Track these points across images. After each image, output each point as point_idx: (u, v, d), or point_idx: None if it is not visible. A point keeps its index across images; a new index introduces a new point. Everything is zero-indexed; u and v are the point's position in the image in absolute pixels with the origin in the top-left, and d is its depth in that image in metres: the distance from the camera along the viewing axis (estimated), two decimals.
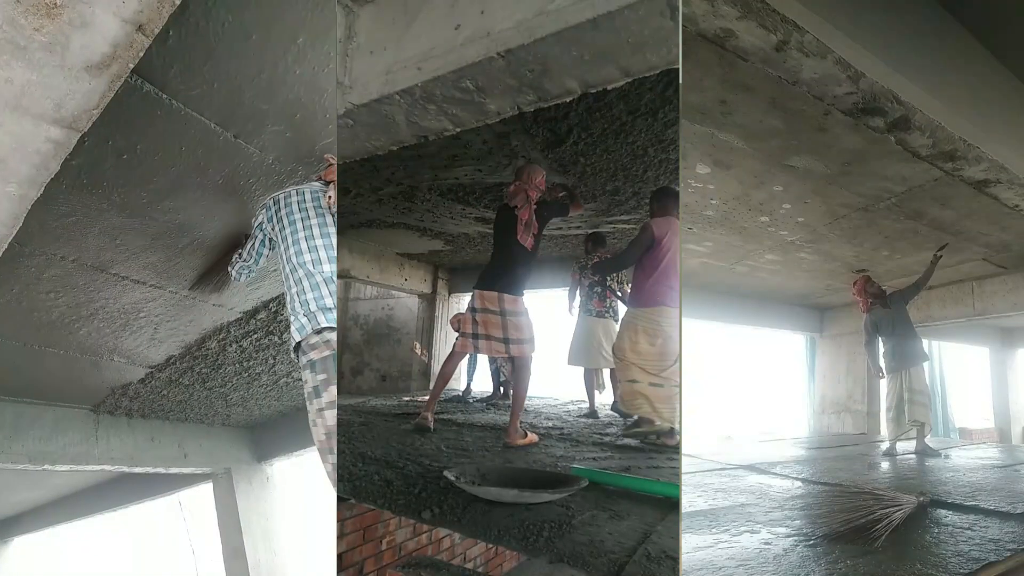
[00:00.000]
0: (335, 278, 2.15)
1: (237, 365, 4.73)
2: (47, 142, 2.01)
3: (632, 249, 3.35)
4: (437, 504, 2.15)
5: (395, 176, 3.64)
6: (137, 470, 5.63)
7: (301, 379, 2.12)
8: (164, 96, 2.27)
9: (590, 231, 4.59)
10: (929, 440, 4.88)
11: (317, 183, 2.46)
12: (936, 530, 2.46)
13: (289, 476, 7.08)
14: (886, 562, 2.08)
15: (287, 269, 2.23)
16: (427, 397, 4.24)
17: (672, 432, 3.26)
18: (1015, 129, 3.36)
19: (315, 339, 2.06)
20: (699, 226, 4.42)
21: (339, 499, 2.40)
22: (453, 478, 2.27)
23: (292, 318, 2.14)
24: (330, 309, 2.08)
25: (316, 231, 2.22)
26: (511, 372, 3.87)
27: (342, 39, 2.68)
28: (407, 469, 2.60)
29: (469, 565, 3.96)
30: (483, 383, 5.87)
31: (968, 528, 2.46)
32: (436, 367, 6.58)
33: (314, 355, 2.05)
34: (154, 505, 8.57)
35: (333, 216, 2.27)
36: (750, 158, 3.31)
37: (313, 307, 2.09)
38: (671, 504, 2.24)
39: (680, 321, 2.38)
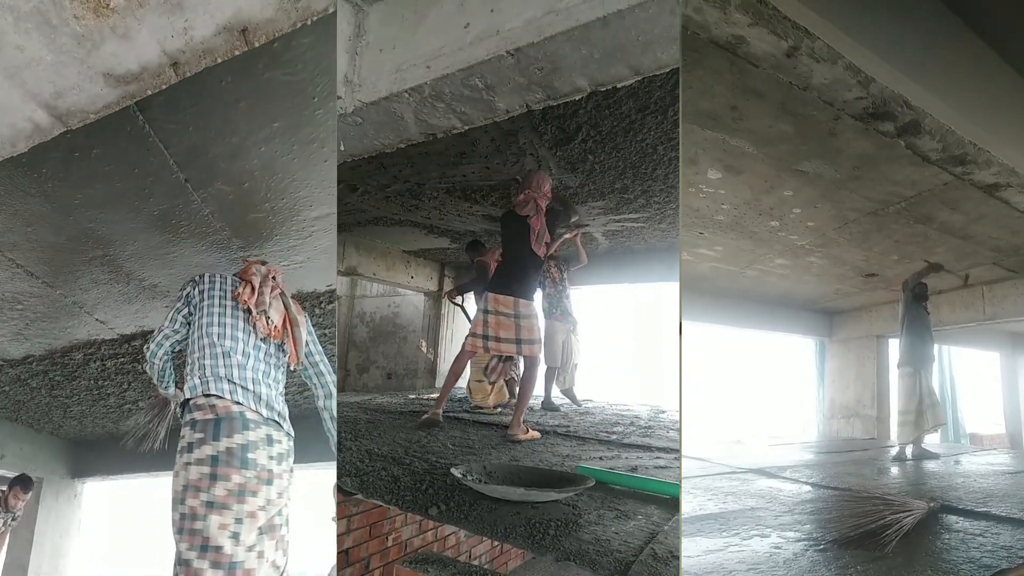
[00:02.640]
0: (232, 354, 2.38)
1: (91, 382, 4.64)
2: (28, 122, 1.96)
3: (475, 281, 4.69)
4: (444, 501, 2.17)
5: (402, 174, 3.65)
6: None
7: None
8: (140, 117, 2.27)
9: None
10: (926, 444, 4.90)
11: (233, 277, 2.67)
12: (947, 536, 2.46)
13: (99, 498, 6.83)
14: (896, 568, 2.08)
15: (195, 335, 2.45)
16: (435, 395, 4.37)
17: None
18: None
19: (202, 401, 2.25)
20: (710, 231, 4.42)
21: (345, 494, 2.43)
22: (460, 475, 2.30)
23: (188, 378, 2.35)
24: (223, 379, 2.30)
25: (228, 311, 2.49)
26: (520, 371, 3.96)
27: (351, 37, 2.69)
28: (414, 466, 2.62)
29: (475, 562, 3.99)
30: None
31: (980, 534, 2.45)
32: (442, 365, 6.61)
33: (198, 415, 2.23)
34: None
35: (243, 309, 2.55)
36: (760, 163, 3.32)
37: (208, 373, 2.31)
38: (677, 504, 2.26)
39: (680, 325, 2.41)
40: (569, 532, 1.94)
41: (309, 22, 1.93)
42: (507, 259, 3.54)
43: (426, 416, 3.54)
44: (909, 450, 4.82)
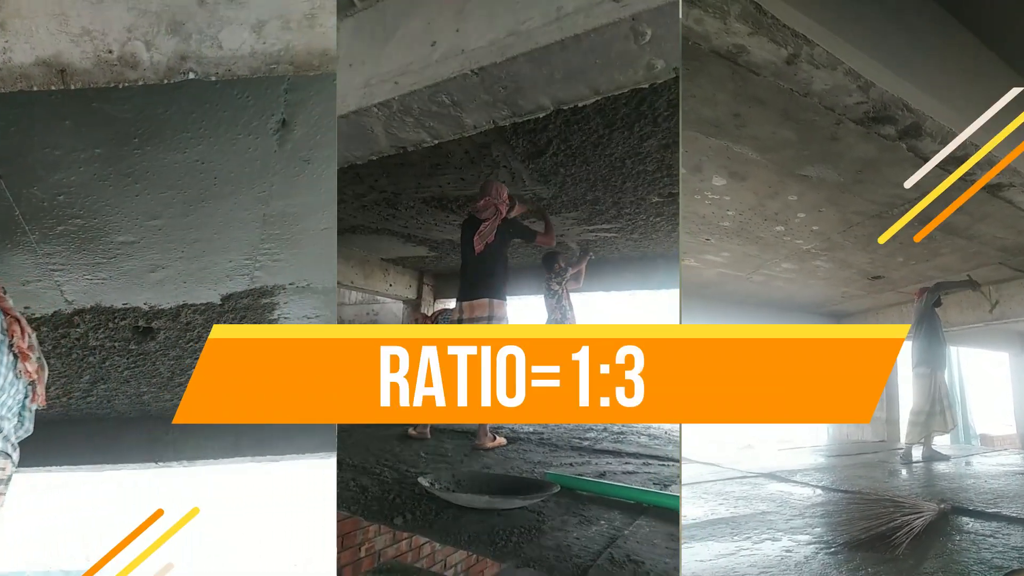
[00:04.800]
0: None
1: None
2: None
3: None
4: (410, 510, 2.21)
5: (378, 184, 3.69)
6: None
7: None
8: None
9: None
10: (936, 445, 4.89)
11: None
12: (958, 537, 2.46)
13: None
14: (907, 570, 2.09)
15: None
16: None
17: None
18: None
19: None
20: (716, 237, 4.44)
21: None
22: (427, 484, 2.32)
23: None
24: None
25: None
26: None
27: None
28: (383, 475, 2.64)
29: (449, 572, 3.95)
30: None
31: (990, 535, 2.45)
32: None
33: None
34: None
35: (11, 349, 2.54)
36: (764, 169, 3.34)
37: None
38: (639, 509, 2.28)
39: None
40: (532, 538, 1.97)
41: (121, 86, 1.98)
42: (473, 263, 3.50)
43: (414, 433, 3.54)
44: (916, 451, 4.80)
